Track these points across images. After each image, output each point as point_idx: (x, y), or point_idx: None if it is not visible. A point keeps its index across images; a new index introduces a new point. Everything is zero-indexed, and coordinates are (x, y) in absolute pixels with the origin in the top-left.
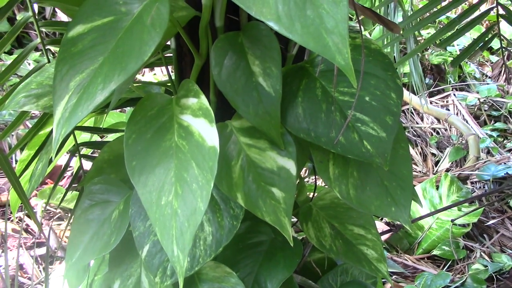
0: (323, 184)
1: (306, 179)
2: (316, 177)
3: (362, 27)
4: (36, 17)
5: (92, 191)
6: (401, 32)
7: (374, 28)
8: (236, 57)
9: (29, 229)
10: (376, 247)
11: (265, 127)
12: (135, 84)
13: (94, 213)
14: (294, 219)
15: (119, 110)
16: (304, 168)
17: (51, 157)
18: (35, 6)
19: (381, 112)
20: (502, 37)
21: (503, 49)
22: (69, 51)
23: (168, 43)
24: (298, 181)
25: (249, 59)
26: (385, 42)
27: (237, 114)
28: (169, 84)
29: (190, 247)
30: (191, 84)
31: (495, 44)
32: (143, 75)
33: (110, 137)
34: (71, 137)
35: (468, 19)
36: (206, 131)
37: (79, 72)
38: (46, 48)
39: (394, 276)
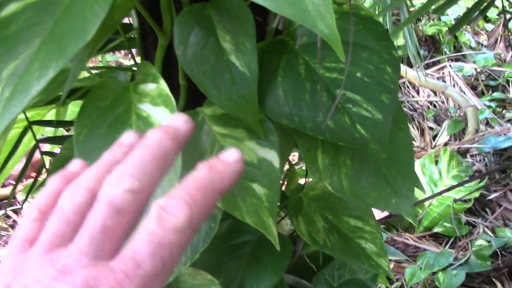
0: None
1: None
2: None
3: None
4: None
5: None
6: None
7: None
8: (203, 33)
9: (16, 226)
10: (375, 240)
11: (240, 114)
12: (97, 71)
13: None
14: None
15: None
16: (296, 153)
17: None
18: None
19: (375, 89)
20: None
21: (505, 12)
22: (1, 34)
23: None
24: (287, 168)
25: (219, 34)
26: (377, 12)
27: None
28: (135, 68)
29: None
30: (149, 67)
31: (490, 12)
32: (129, 60)
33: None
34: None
35: None
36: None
37: (13, 58)
38: None
39: (395, 257)
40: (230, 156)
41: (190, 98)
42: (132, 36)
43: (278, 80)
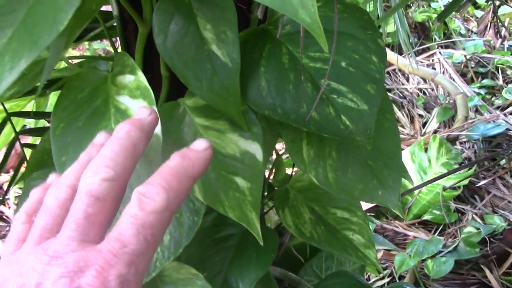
0: None
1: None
2: None
3: None
4: None
5: (32, 187)
6: None
7: None
8: (184, 21)
9: (3, 217)
10: (362, 231)
11: (222, 105)
12: (78, 60)
13: None
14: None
15: None
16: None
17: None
18: None
19: (361, 79)
20: None
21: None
22: None
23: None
24: (275, 158)
25: (199, 22)
26: None
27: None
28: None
29: None
30: (126, 58)
31: None
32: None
33: None
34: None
35: None
36: None
37: None
38: None
39: (384, 247)
40: (200, 145)
41: (172, 89)
42: (114, 24)
43: (260, 70)
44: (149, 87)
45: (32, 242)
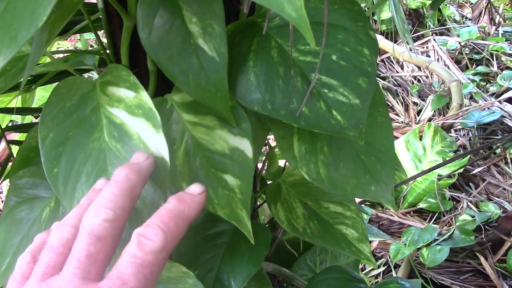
0: None
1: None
2: None
3: None
4: None
5: (18, 186)
6: None
7: None
8: (169, 15)
9: None
10: (356, 226)
11: (210, 101)
12: (65, 54)
13: (22, 212)
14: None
15: None
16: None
17: None
18: None
19: (352, 73)
20: None
21: None
22: None
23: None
24: (267, 151)
25: (185, 15)
26: None
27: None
28: (102, 51)
29: None
30: (126, 73)
31: None
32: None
33: None
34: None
35: None
36: (150, 137)
37: None
38: None
39: (379, 238)
40: (195, 190)
41: (160, 84)
42: (100, 17)
43: (249, 65)
44: (155, 110)
45: (36, 278)
